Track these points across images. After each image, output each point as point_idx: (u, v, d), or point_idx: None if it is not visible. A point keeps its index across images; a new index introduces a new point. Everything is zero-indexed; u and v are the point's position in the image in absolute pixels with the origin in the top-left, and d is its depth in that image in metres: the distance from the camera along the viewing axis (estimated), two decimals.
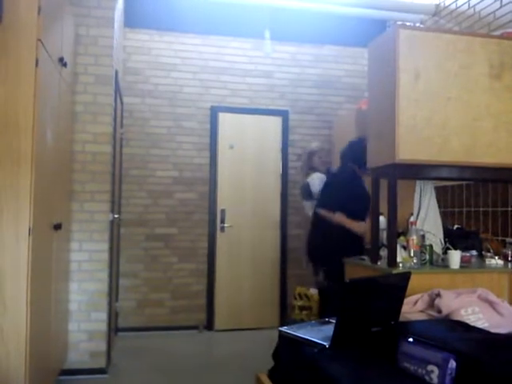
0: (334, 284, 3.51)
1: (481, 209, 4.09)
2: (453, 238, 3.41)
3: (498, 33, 3.64)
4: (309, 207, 4.33)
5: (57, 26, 2.92)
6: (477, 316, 2.38)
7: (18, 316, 2.35)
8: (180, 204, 5.13)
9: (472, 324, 2.29)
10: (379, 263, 3.23)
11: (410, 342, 1.81)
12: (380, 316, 2.17)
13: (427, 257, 3.14)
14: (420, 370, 1.72)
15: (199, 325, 4.90)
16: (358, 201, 3.60)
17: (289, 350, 2.13)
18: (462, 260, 3.09)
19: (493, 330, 2.23)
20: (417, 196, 3.44)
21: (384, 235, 3.38)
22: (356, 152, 3.66)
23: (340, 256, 3.49)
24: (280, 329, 2.20)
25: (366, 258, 3.44)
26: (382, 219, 3.47)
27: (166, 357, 3.98)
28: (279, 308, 5.29)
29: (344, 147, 3.90)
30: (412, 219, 3.34)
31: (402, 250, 3.18)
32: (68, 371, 3.51)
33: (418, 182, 3.46)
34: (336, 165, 5.40)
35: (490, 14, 4.11)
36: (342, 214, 3.60)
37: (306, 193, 4.46)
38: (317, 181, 4.38)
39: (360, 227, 3.58)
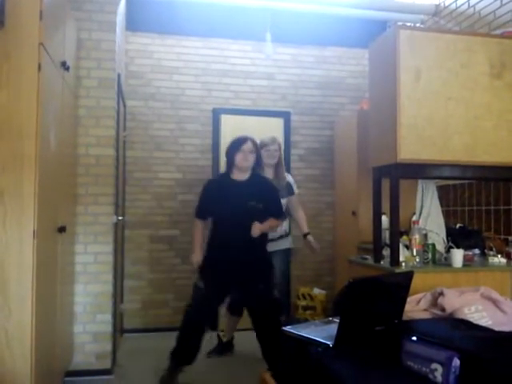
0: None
1: (483, 207, 4.09)
2: (455, 237, 3.42)
3: (498, 32, 3.64)
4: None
5: (59, 31, 2.94)
6: (480, 314, 2.38)
7: (23, 318, 2.36)
8: (183, 206, 5.14)
9: (475, 322, 2.29)
10: (382, 262, 3.24)
11: (413, 340, 1.82)
12: (383, 315, 2.17)
13: (430, 256, 3.15)
14: (424, 369, 1.72)
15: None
16: None
17: (293, 350, 2.14)
18: (465, 259, 3.10)
19: (496, 328, 2.23)
20: (419, 195, 3.45)
21: (386, 235, 3.40)
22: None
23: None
24: (284, 328, 2.21)
25: (368, 257, 3.45)
26: (385, 219, 3.48)
27: None
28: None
29: None
30: (414, 218, 3.36)
31: (405, 249, 3.19)
32: (74, 372, 3.53)
33: (420, 182, 3.47)
34: (340, 165, 5.41)
35: (490, 14, 4.12)
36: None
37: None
38: None
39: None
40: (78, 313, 3.63)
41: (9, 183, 2.37)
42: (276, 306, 3.58)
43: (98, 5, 3.75)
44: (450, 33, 3.43)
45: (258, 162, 3.60)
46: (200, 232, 3.62)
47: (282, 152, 4.28)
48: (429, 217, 3.38)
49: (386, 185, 3.22)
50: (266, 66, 5.44)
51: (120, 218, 4.15)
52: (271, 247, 4.02)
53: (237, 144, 3.53)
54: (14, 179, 2.38)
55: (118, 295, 4.11)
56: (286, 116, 5.46)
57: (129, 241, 4.98)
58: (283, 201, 4.09)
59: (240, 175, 3.53)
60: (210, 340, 4.15)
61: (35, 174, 2.40)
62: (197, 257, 3.53)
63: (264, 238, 3.56)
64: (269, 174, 4.14)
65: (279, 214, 3.65)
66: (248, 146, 3.51)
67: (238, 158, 3.49)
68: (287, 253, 4.17)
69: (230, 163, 3.55)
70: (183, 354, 3.46)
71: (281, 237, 4.11)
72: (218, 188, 3.57)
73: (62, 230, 2.96)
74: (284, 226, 4.13)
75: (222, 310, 4.12)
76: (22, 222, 2.37)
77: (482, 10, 4.21)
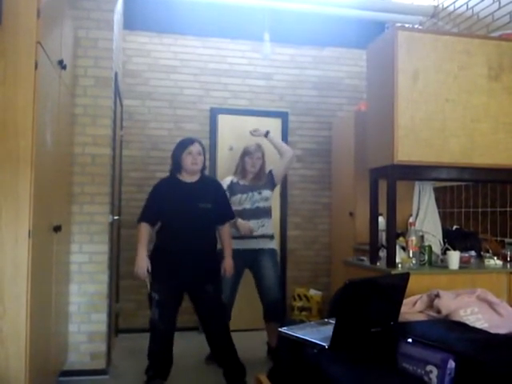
0: None
1: (480, 209, 4.10)
2: (452, 239, 3.42)
3: (496, 34, 3.65)
4: None
5: (56, 29, 2.93)
6: (476, 316, 2.38)
7: (18, 318, 2.35)
8: None
9: (471, 324, 2.29)
10: (378, 264, 3.24)
11: (409, 342, 1.82)
12: (379, 317, 2.17)
13: (426, 257, 3.15)
14: (419, 371, 1.73)
15: (199, 326, 4.90)
16: None
17: (288, 351, 2.14)
18: (461, 260, 3.10)
19: (492, 331, 2.24)
20: (416, 197, 3.45)
21: (383, 236, 3.40)
22: None
23: None
24: (279, 329, 2.20)
25: (365, 258, 3.45)
26: (381, 220, 3.48)
27: None
28: None
29: None
30: (411, 220, 3.36)
31: (401, 250, 3.19)
32: (68, 372, 3.52)
33: (416, 183, 3.48)
34: (337, 167, 5.41)
35: (488, 16, 4.12)
36: None
37: None
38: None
39: None
40: (73, 312, 3.62)
41: (4, 182, 2.36)
42: (223, 308, 3.53)
43: (96, 3, 3.73)
44: (449, 34, 3.43)
45: (205, 165, 3.49)
46: (147, 235, 3.44)
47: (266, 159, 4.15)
48: (425, 218, 3.38)
49: (383, 186, 3.22)
50: (264, 66, 5.44)
51: (116, 217, 4.13)
52: (257, 244, 3.98)
53: (184, 145, 3.42)
54: (10, 177, 2.36)
55: (113, 295, 4.10)
56: (283, 116, 5.46)
57: (124, 240, 4.96)
58: (269, 193, 4.06)
59: (189, 177, 3.44)
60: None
61: (31, 173, 2.38)
62: (142, 263, 3.35)
63: (213, 239, 3.48)
64: (248, 178, 4.09)
65: (231, 215, 3.61)
66: (196, 148, 3.40)
67: (187, 161, 3.38)
68: (273, 253, 4.06)
69: (177, 165, 3.43)
70: (157, 369, 3.37)
71: (266, 237, 4.02)
72: (166, 190, 3.42)
73: (57, 229, 2.95)
74: (269, 226, 4.05)
75: None
76: (18, 221, 2.36)
77: (481, 12, 4.22)
